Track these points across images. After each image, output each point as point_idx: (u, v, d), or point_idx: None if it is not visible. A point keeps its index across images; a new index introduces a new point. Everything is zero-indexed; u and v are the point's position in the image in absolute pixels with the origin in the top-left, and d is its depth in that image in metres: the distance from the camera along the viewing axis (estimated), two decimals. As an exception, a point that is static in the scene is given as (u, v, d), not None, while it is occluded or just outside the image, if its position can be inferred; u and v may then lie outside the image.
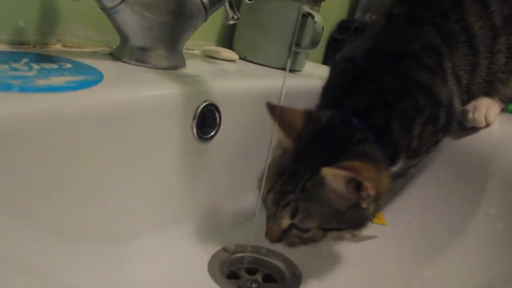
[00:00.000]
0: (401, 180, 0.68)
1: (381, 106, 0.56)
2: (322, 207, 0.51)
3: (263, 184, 0.55)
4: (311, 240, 0.54)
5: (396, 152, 0.57)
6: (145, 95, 0.55)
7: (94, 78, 0.53)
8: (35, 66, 0.53)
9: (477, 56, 0.65)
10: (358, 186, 0.50)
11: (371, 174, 0.49)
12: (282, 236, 0.55)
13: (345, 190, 0.50)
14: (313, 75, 0.94)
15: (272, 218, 0.55)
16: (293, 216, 0.52)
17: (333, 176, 0.49)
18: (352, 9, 1.51)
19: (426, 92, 0.59)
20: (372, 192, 0.50)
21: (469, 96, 0.68)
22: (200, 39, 0.89)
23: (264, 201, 0.56)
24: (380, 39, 0.62)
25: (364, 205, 0.51)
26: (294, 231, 0.53)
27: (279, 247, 0.66)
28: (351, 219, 0.53)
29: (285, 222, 0.53)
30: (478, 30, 0.64)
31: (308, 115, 0.55)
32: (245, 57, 0.92)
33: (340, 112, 0.56)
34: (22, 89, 0.44)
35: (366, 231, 0.69)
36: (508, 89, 0.70)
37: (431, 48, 0.61)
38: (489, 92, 0.70)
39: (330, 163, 0.48)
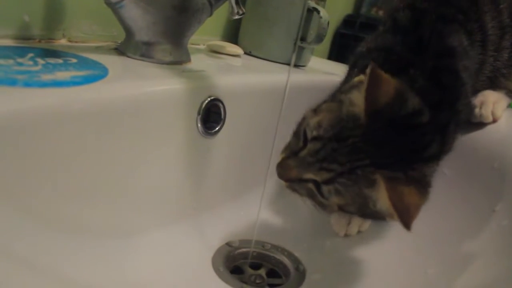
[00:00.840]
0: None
1: (447, 105, 0.54)
2: (356, 197, 0.49)
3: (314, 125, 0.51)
4: (321, 205, 0.52)
5: (441, 155, 0.55)
6: (149, 90, 0.55)
7: (99, 73, 0.53)
8: (40, 61, 0.53)
9: (485, 55, 0.65)
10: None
11: (419, 211, 0.46)
12: (294, 180, 0.52)
13: (387, 209, 0.47)
14: (318, 70, 0.94)
15: (299, 162, 0.51)
16: (324, 182, 0.50)
17: (385, 197, 0.46)
18: (358, 4, 1.50)
19: (468, 95, 0.59)
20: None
21: (472, 93, 0.68)
22: (205, 34, 0.88)
23: (300, 138, 0.52)
24: (420, 34, 0.59)
25: (389, 220, 0.50)
26: (311, 186, 0.51)
27: (284, 242, 0.67)
28: (369, 215, 0.52)
29: (310, 176, 0.51)
30: (490, 29, 0.64)
31: (399, 93, 0.49)
32: (250, 52, 0.92)
33: (423, 105, 0.50)
34: (27, 84, 0.44)
35: (370, 227, 0.70)
36: (510, 83, 0.70)
37: (463, 48, 0.60)
38: (491, 87, 0.70)
39: (396, 162, 0.47)
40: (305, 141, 0.52)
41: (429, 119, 0.50)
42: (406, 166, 0.48)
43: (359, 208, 0.51)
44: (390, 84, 0.48)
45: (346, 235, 0.69)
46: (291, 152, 0.53)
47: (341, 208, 0.52)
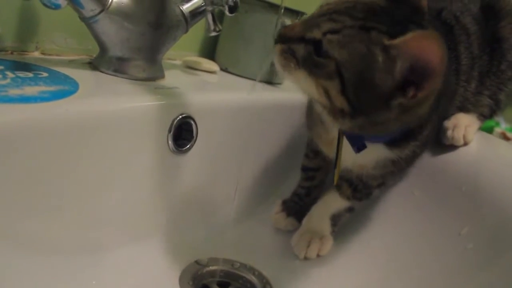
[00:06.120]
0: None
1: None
2: (361, 57, 0.45)
3: None
4: (316, 67, 0.47)
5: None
6: (119, 107, 0.55)
7: (68, 89, 0.53)
8: (9, 74, 0.52)
9: (458, 85, 0.65)
10: (422, 72, 0.44)
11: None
12: (294, 39, 0.48)
13: (404, 65, 0.44)
14: (294, 88, 0.94)
15: (307, 21, 0.48)
16: (328, 32, 0.45)
17: (417, 44, 0.43)
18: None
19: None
20: (424, 92, 0.44)
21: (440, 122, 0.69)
22: (182, 49, 0.88)
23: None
24: None
25: (395, 101, 0.46)
26: (309, 48, 0.47)
27: (253, 261, 0.67)
28: (363, 90, 0.46)
29: (314, 34, 0.46)
30: (463, 59, 0.65)
31: None
32: (227, 68, 0.92)
33: None
34: (-8, 99, 0.44)
35: (335, 247, 0.70)
36: (480, 108, 0.71)
37: None
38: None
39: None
40: None
41: None
42: None
43: (360, 71, 0.46)
44: None
45: (305, 258, 0.68)
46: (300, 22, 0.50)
47: (339, 68, 0.46)
